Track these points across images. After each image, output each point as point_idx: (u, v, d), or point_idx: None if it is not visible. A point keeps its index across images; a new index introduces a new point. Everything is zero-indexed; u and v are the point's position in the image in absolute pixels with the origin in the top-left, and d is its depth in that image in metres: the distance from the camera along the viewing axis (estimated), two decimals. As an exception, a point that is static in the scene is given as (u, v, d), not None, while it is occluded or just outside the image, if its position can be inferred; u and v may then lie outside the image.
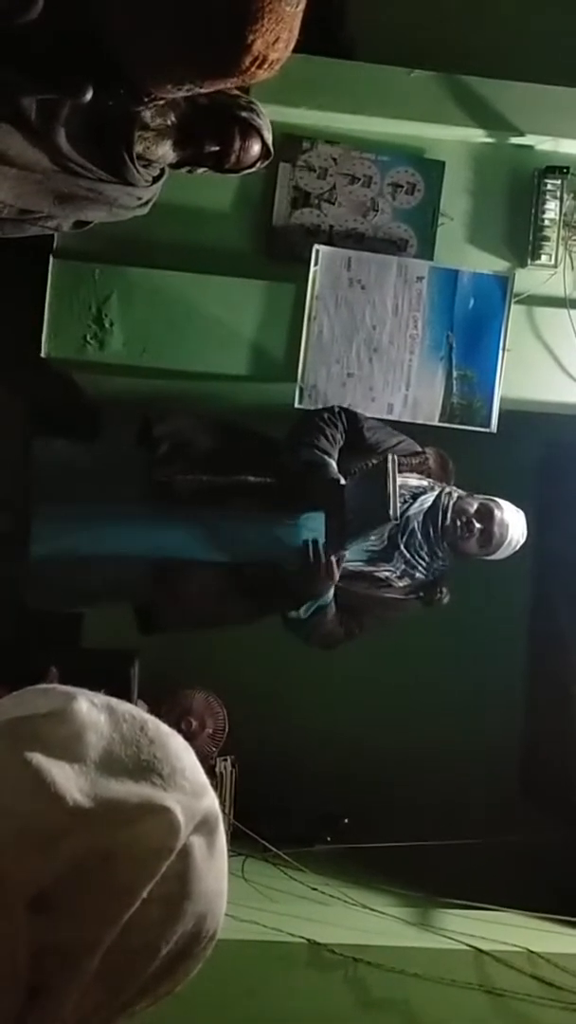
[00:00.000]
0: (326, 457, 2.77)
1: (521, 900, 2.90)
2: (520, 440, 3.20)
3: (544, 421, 3.22)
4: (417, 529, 2.80)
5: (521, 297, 3.00)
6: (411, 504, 2.79)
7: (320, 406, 2.95)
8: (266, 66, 1.39)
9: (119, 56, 1.47)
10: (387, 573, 2.84)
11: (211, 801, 0.71)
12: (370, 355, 2.97)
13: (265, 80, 1.42)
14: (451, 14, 3.42)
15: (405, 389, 2.98)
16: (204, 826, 0.70)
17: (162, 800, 0.67)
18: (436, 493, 2.84)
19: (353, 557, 2.76)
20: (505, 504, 2.83)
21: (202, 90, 1.54)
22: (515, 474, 3.72)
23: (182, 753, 0.71)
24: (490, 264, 3.03)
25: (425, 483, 2.85)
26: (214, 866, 0.71)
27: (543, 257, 3.01)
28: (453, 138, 3.02)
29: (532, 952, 2.70)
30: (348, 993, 2.64)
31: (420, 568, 2.86)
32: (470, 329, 2.99)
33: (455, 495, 2.85)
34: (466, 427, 3.00)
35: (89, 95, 1.54)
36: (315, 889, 2.93)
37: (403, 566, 2.85)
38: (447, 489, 2.86)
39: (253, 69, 1.38)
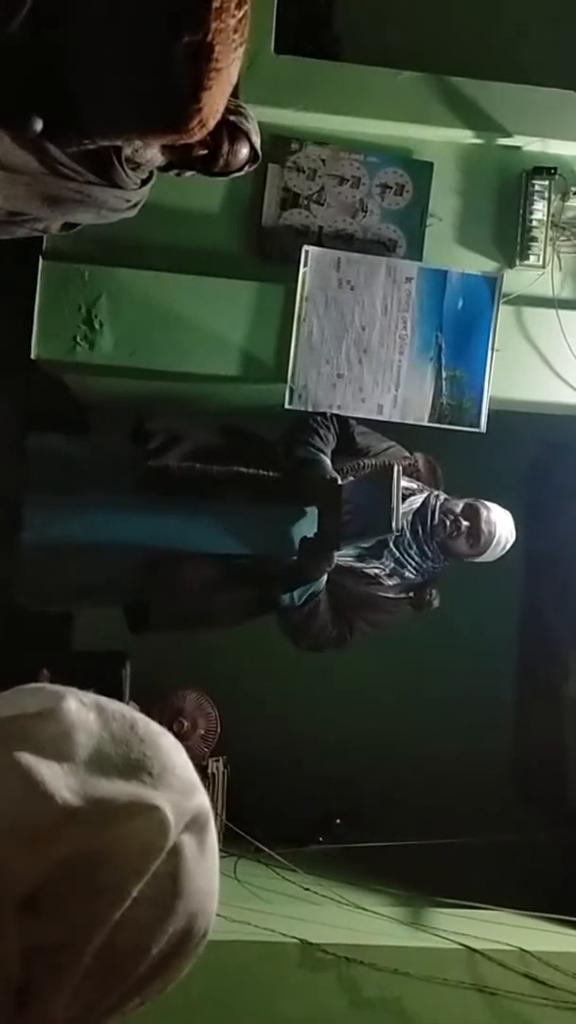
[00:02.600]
0: (320, 455, 2.79)
1: (513, 899, 2.91)
2: (509, 440, 3.21)
3: (533, 421, 3.23)
4: (406, 528, 2.81)
5: (510, 297, 3.01)
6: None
7: (310, 407, 2.95)
8: (204, 128, 1.42)
9: (75, 102, 1.48)
10: (376, 570, 2.85)
11: (202, 800, 0.71)
12: (360, 356, 2.97)
13: (195, 140, 1.45)
14: (439, 15, 3.44)
15: (395, 390, 2.98)
16: (195, 825, 0.70)
17: (152, 799, 0.67)
18: (425, 495, 2.86)
19: (344, 552, 2.77)
20: (492, 505, 2.85)
21: (141, 143, 1.57)
22: (505, 474, 3.73)
23: (172, 752, 0.72)
24: (479, 265, 3.04)
25: (414, 485, 2.87)
26: (205, 865, 0.71)
27: (531, 258, 3.02)
28: (441, 139, 3.02)
29: (524, 951, 2.70)
30: (341, 993, 2.64)
31: (410, 567, 2.87)
32: (459, 330, 2.99)
33: (442, 497, 2.87)
34: (456, 427, 3.00)
35: (39, 127, 1.55)
36: (307, 889, 2.93)
37: (392, 564, 2.86)
38: (435, 492, 2.88)
39: (195, 130, 1.41)
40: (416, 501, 2.84)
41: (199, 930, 0.71)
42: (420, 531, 2.84)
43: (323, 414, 2.88)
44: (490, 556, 2.87)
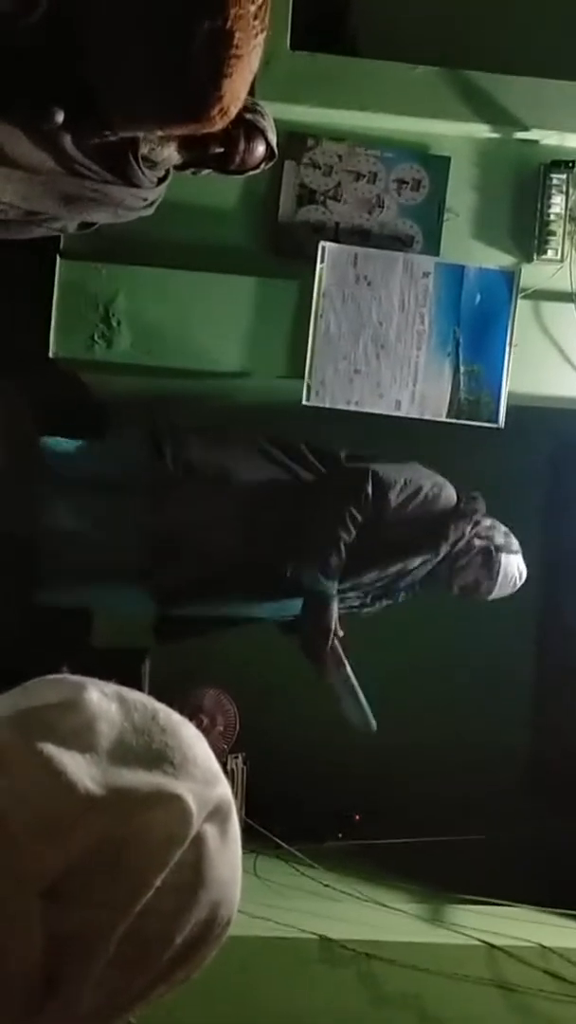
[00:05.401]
0: (332, 592, 2.76)
1: (533, 895, 2.90)
2: (528, 435, 3.20)
3: (551, 416, 3.22)
4: (403, 587, 2.94)
5: (527, 292, 3.00)
6: (404, 579, 2.90)
7: (328, 403, 2.94)
8: (226, 117, 1.41)
9: (94, 93, 1.48)
10: (368, 610, 3.01)
11: (223, 789, 0.71)
12: (377, 351, 2.97)
13: (217, 128, 1.45)
14: (455, 9, 3.42)
15: (412, 385, 2.98)
16: (216, 814, 0.70)
17: (174, 788, 0.67)
18: (436, 562, 2.87)
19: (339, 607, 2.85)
20: (503, 568, 2.85)
21: (162, 133, 1.56)
22: (523, 469, 3.73)
23: (194, 742, 0.72)
24: (496, 259, 3.03)
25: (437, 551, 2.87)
26: (227, 854, 0.71)
27: (549, 252, 3.01)
28: (458, 134, 3.02)
29: (545, 947, 2.69)
30: (361, 989, 2.64)
31: (401, 596, 3.03)
32: (477, 324, 2.98)
33: (457, 549, 2.85)
34: (474, 423, 2.99)
35: (60, 119, 1.55)
36: (327, 885, 2.94)
37: (385, 605, 3.02)
38: (449, 555, 2.87)
39: (216, 118, 1.40)
40: (423, 571, 2.89)
41: (222, 919, 0.71)
42: (418, 586, 2.95)
43: (363, 498, 2.76)
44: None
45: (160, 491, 2.79)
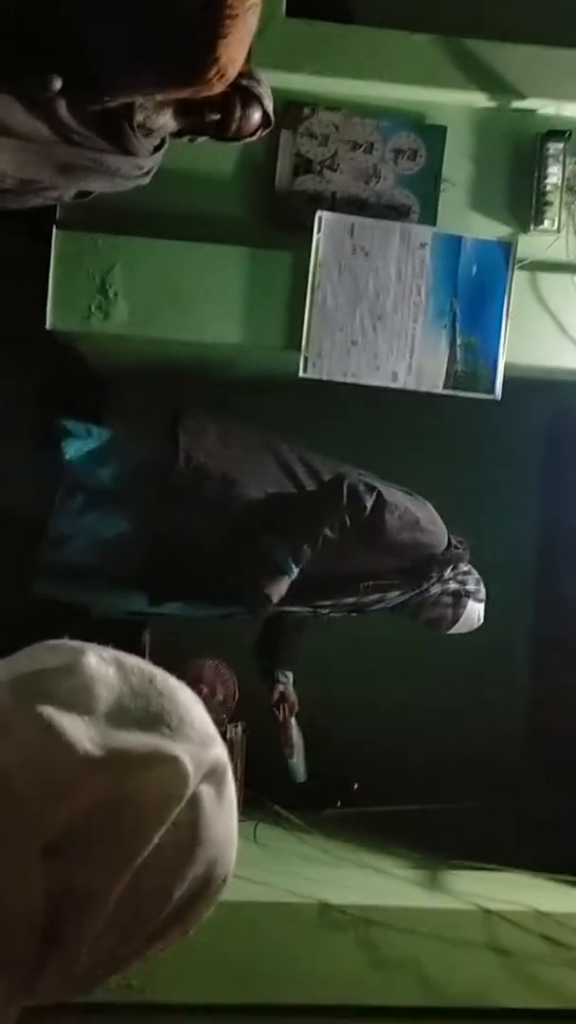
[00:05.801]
0: (289, 573, 2.75)
1: (529, 860, 2.94)
2: (524, 406, 3.20)
3: (548, 387, 3.22)
4: (375, 610, 2.97)
5: (524, 263, 2.99)
6: (378, 604, 2.94)
7: (325, 375, 2.94)
8: (224, 79, 1.41)
9: (91, 59, 1.48)
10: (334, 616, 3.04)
11: (219, 751, 0.73)
12: (374, 323, 2.96)
13: (216, 91, 1.44)
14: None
15: (409, 357, 2.98)
16: (213, 775, 0.72)
17: (171, 749, 0.69)
18: (410, 595, 2.91)
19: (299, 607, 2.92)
20: (467, 613, 2.92)
21: (160, 97, 1.56)
22: (520, 440, 3.73)
23: (190, 705, 0.73)
24: (493, 230, 3.02)
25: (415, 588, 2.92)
26: (223, 814, 0.72)
27: (546, 222, 2.99)
28: (455, 103, 2.99)
29: (540, 912, 2.73)
30: (359, 953, 2.67)
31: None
32: (473, 295, 2.98)
33: (432, 591, 2.90)
34: (470, 394, 2.99)
35: (58, 86, 1.55)
36: (326, 852, 2.97)
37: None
38: (424, 591, 2.91)
39: (214, 80, 1.40)
40: (395, 601, 2.93)
41: (218, 877, 0.73)
42: (387, 611, 2.97)
43: (360, 503, 2.77)
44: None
45: (169, 496, 2.78)
